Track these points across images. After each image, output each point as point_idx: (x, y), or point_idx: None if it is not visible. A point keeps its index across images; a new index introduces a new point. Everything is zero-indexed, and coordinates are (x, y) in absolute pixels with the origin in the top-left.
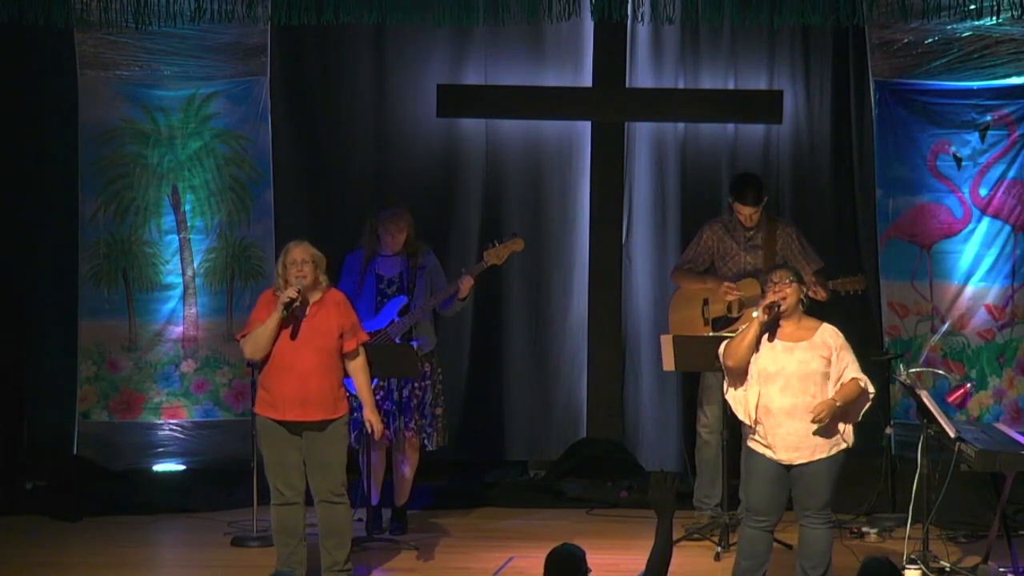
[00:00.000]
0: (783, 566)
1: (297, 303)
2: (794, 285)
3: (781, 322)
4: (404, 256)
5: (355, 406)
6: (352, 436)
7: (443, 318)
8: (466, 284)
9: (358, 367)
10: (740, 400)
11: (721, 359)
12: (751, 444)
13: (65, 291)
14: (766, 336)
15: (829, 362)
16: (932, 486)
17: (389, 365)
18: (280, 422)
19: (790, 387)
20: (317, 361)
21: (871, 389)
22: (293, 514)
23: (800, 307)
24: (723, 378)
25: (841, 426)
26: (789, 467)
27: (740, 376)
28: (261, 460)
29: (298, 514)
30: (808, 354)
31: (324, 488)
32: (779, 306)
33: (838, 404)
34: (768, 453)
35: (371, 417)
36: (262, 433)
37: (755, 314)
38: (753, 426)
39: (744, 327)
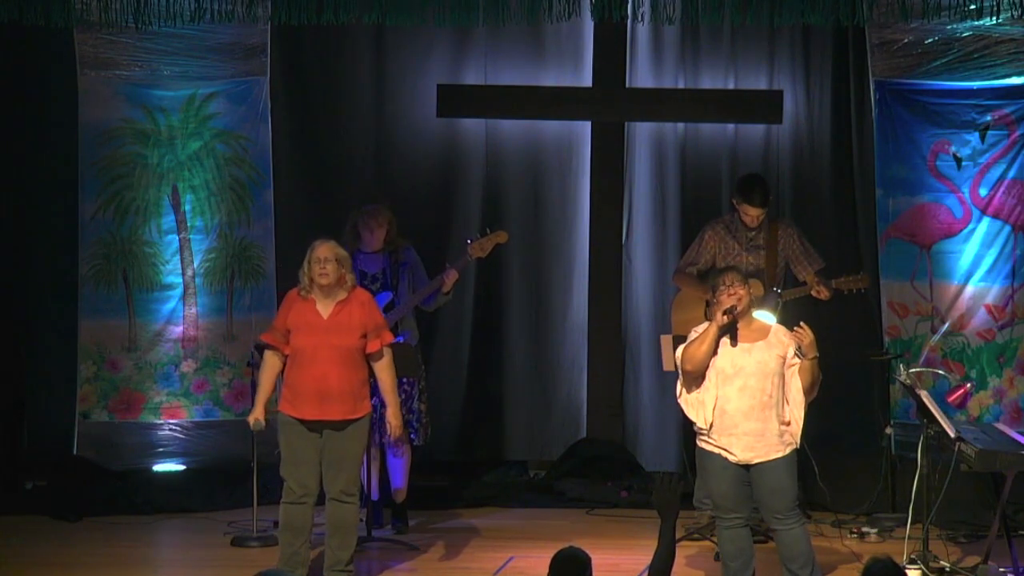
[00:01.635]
0: (773, 564)
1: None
2: (746, 287)
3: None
4: (386, 253)
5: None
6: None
7: (432, 319)
8: (450, 278)
9: (383, 368)
10: (695, 403)
11: (679, 364)
12: (703, 445)
13: (65, 291)
14: (725, 339)
15: (784, 360)
16: (932, 486)
17: None
18: (300, 420)
19: (748, 387)
20: (337, 360)
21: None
22: (302, 513)
23: (750, 308)
24: (676, 381)
25: (791, 426)
26: (747, 467)
27: (697, 380)
28: (261, 460)
29: (307, 514)
30: (767, 354)
31: (336, 487)
32: (736, 308)
33: (812, 357)
34: (723, 454)
35: (393, 420)
36: (283, 429)
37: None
38: (707, 429)
39: (700, 331)
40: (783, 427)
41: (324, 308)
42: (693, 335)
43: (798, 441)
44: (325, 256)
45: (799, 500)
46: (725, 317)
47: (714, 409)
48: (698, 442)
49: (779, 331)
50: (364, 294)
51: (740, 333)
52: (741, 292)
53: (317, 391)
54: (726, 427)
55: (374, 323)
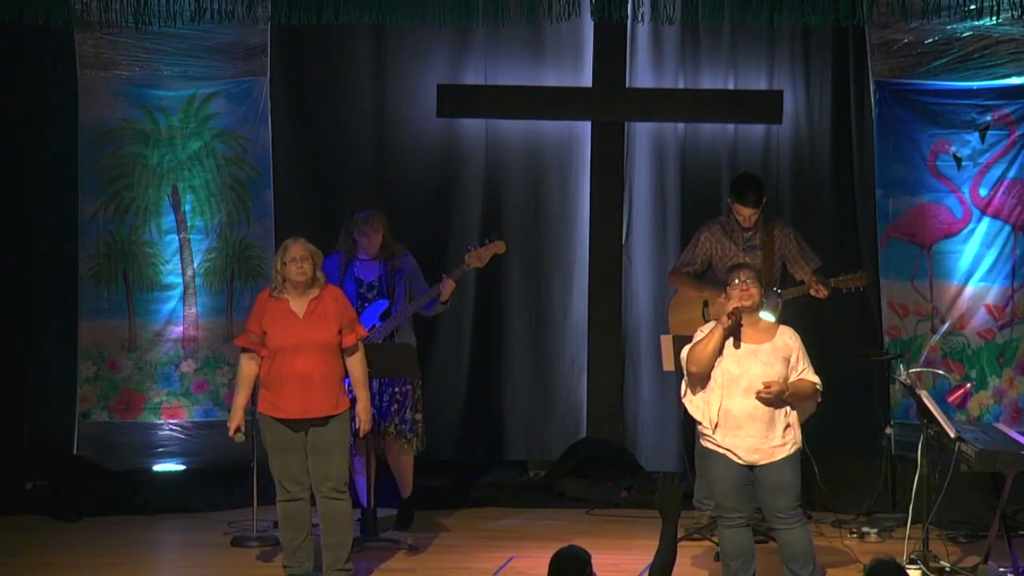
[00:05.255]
0: (774, 565)
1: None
2: (759, 285)
3: (742, 323)
4: (382, 259)
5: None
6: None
7: (431, 320)
8: (447, 288)
9: (356, 362)
10: (700, 405)
11: (684, 365)
12: (707, 445)
13: (65, 291)
14: (730, 340)
15: (789, 362)
16: (932, 486)
17: (388, 365)
18: (283, 420)
19: (753, 389)
20: (316, 357)
21: (819, 397)
22: (300, 509)
23: (757, 307)
24: (680, 381)
25: (794, 427)
26: (752, 467)
27: (702, 381)
28: (261, 460)
29: (304, 509)
30: (772, 357)
31: (327, 484)
32: (741, 311)
33: (787, 395)
34: (728, 455)
35: (363, 415)
36: (266, 432)
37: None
38: (712, 430)
39: (706, 331)
40: (788, 427)
41: (299, 306)
42: (699, 335)
43: (800, 441)
44: (301, 255)
45: (799, 500)
46: (730, 319)
47: (719, 410)
48: (702, 441)
49: (786, 332)
50: (336, 290)
51: (746, 333)
52: (754, 291)
53: (300, 391)
54: (731, 428)
55: (348, 318)
